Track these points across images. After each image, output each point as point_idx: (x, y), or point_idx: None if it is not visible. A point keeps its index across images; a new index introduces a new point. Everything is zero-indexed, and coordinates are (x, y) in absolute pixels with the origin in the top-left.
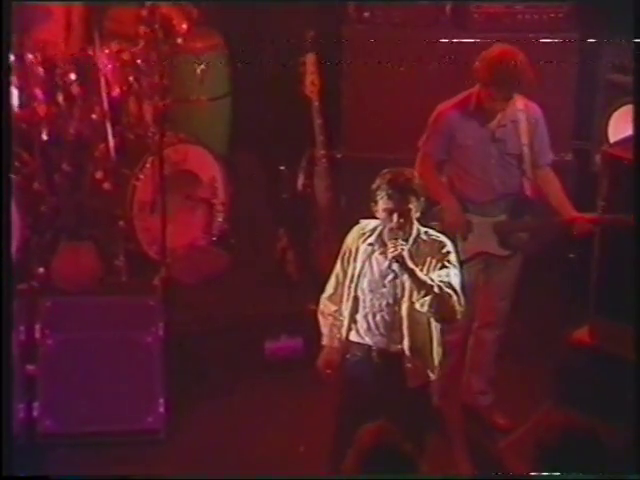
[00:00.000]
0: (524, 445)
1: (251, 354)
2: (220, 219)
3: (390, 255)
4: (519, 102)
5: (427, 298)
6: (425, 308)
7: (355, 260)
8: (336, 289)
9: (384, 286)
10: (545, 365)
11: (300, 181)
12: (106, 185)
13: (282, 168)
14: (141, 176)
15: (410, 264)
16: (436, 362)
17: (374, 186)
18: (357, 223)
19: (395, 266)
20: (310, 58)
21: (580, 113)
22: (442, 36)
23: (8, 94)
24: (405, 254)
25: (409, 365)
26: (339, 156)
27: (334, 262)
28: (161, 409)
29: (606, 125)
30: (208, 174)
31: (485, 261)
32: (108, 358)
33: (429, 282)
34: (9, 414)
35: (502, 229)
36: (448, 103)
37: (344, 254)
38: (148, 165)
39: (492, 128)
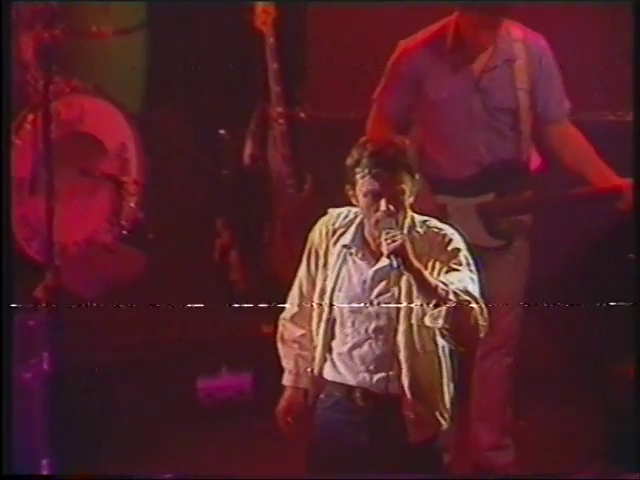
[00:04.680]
0: None
1: (179, 395)
2: (132, 204)
3: (386, 249)
4: (515, 31)
5: (440, 309)
6: (439, 322)
7: (326, 266)
8: (301, 305)
9: (371, 303)
10: (590, 408)
11: (247, 151)
12: None
13: (222, 132)
14: (17, 141)
15: (415, 262)
16: (448, 405)
17: (350, 161)
18: (325, 213)
19: (396, 262)
20: None
21: None
22: None
23: (9, 96)
24: (407, 245)
25: (410, 413)
26: (302, 115)
27: (296, 266)
28: (44, 473)
29: None
30: (115, 139)
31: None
32: None
33: (442, 286)
34: (9, 414)
35: (490, 211)
36: (414, 38)
37: (309, 256)
38: (28, 125)
39: (476, 72)
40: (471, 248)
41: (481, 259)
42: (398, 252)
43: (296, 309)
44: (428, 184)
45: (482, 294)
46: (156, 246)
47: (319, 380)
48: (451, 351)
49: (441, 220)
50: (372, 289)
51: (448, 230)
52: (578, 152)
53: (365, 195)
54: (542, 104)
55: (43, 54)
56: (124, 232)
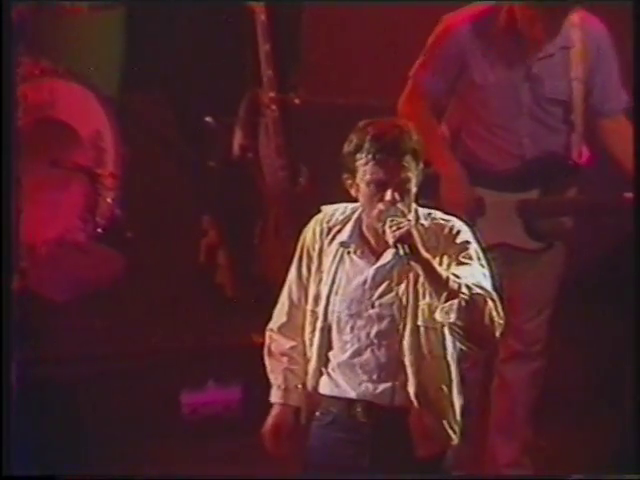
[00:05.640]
0: None
1: (161, 411)
2: (109, 199)
3: (392, 237)
4: (573, 16)
5: (452, 302)
6: (451, 317)
7: (320, 269)
8: (291, 314)
9: (372, 305)
10: (622, 422)
11: (237, 141)
12: None
13: (208, 120)
14: None
15: (424, 251)
16: (458, 417)
17: (349, 147)
18: (319, 211)
19: (403, 250)
20: None
21: None
22: None
23: (9, 95)
24: (414, 233)
25: (417, 424)
26: (297, 101)
27: (288, 269)
28: None
29: None
30: (89, 127)
31: (505, 258)
32: None
33: (453, 278)
34: (9, 412)
35: (531, 211)
36: (463, 13)
37: (300, 259)
38: None
39: (529, 59)
40: (481, 242)
41: (517, 261)
42: (405, 239)
43: (285, 318)
44: (465, 172)
45: (495, 290)
46: (135, 246)
47: (314, 396)
48: (460, 358)
49: (475, 214)
50: (373, 289)
51: (455, 222)
52: (631, 149)
53: (368, 184)
54: (598, 95)
55: (9, 30)
56: (99, 230)
